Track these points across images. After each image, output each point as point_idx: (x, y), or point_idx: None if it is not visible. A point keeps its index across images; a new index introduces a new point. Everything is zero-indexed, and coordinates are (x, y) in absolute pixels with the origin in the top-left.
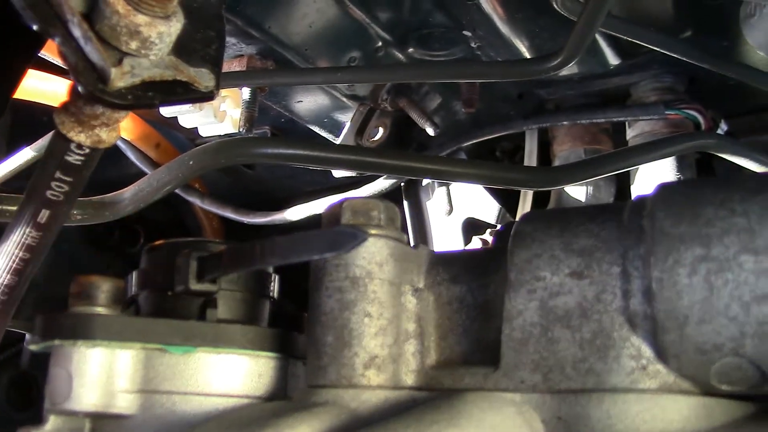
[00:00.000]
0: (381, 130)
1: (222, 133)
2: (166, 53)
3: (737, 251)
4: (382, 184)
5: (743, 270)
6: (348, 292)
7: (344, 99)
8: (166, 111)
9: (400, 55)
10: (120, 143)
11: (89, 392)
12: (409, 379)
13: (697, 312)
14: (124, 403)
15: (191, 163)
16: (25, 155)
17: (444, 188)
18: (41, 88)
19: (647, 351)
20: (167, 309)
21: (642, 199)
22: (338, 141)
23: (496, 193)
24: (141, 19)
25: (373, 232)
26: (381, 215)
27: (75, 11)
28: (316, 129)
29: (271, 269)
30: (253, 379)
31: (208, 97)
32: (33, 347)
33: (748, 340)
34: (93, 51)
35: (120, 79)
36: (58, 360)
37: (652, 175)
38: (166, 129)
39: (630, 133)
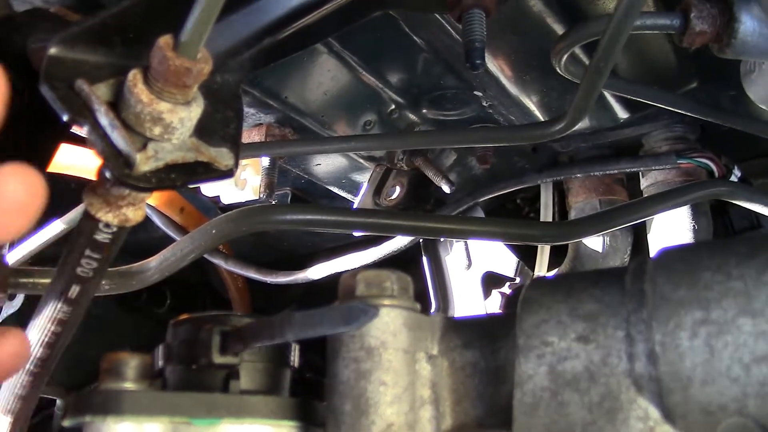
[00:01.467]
0: (398, 189)
1: (243, 200)
2: (188, 136)
3: (735, 314)
4: (402, 240)
5: (742, 332)
6: (364, 362)
7: (361, 160)
8: None
9: (413, 117)
10: (146, 208)
11: None
12: None
13: (700, 374)
14: None
15: (213, 232)
16: (55, 228)
17: (462, 243)
18: (70, 161)
19: (654, 412)
20: (192, 381)
21: (642, 264)
22: (356, 200)
23: (514, 247)
24: (163, 106)
25: (386, 303)
26: (394, 286)
27: (102, 101)
28: (335, 190)
29: None
30: None
31: (228, 175)
32: (66, 423)
33: (751, 400)
34: (119, 138)
35: (144, 163)
36: None
37: (668, 223)
38: (190, 193)
39: (644, 183)
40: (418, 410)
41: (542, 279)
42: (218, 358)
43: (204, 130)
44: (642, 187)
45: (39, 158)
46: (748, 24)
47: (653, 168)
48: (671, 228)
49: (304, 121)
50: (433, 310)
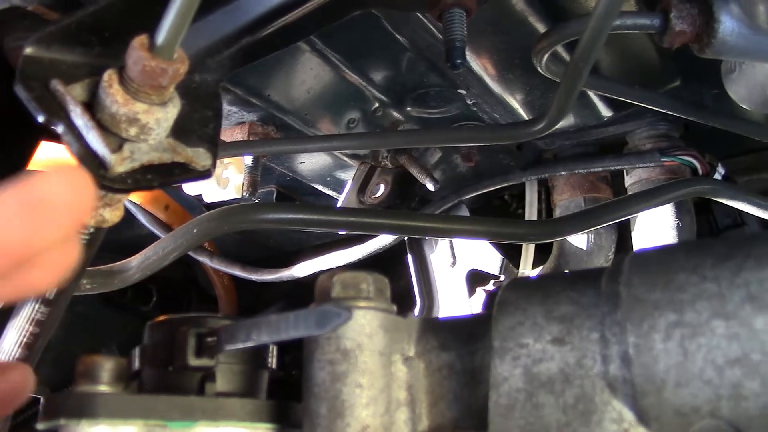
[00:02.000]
0: (383, 187)
1: (226, 199)
2: (164, 136)
3: (709, 317)
4: (387, 238)
5: (715, 335)
6: (339, 364)
7: (345, 158)
8: None
9: (397, 115)
10: (130, 206)
11: None
12: None
13: (674, 376)
14: None
15: (195, 231)
16: None
17: (447, 241)
18: (52, 159)
19: (629, 414)
20: (168, 384)
21: (618, 266)
22: (341, 198)
23: (499, 245)
24: (139, 107)
25: (362, 304)
26: (370, 287)
27: (77, 102)
28: (320, 187)
29: None
30: None
31: (205, 176)
32: (40, 426)
33: (724, 402)
34: (94, 139)
35: (120, 164)
36: None
37: (652, 221)
38: (175, 191)
39: (628, 181)
40: (394, 412)
41: (520, 280)
42: (194, 361)
43: (181, 131)
44: (626, 185)
45: (18, 156)
46: (727, 24)
47: (637, 166)
48: (655, 226)
49: (288, 119)
50: (417, 308)
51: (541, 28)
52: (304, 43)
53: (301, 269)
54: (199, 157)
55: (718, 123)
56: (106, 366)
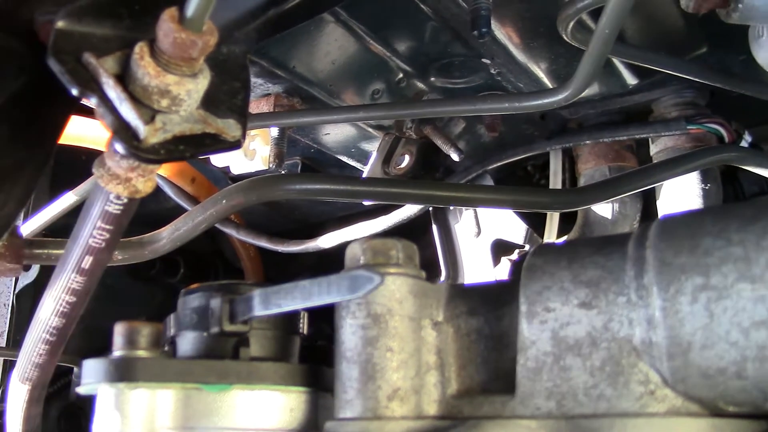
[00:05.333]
0: (407, 158)
1: (253, 170)
2: (195, 108)
3: (735, 279)
4: (412, 209)
5: (741, 297)
6: (370, 329)
7: (370, 129)
8: None
9: (422, 85)
10: (157, 179)
11: (133, 431)
12: (432, 409)
13: (700, 338)
14: None
15: (224, 202)
16: (68, 200)
17: (471, 211)
18: (81, 132)
19: (655, 376)
20: (203, 349)
21: (645, 230)
22: (365, 170)
23: (523, 214)
24: (170, 78)
25: (392, 270)
26: (399, 254)
27: (110, 74)
28: (344, 159)
29: None
30: (286, 413)
31: (235, 146)
32: (80, 390)
33: (750, 363)
34: (127, 110)
35: (153, 135)
36: (103, 401)
37: (677, 189)
38: (201, 164)
39: (653, 149)
40: (423, 375)
41: (546, 246)
42: (228, 326)
43: (211, 102)
44: (651, 153)
45: (50, 131)
46: None
47: (663, 134)
48: (681, 194)
49: (312, 90)
50: (442, 277)
51: None
52: (329, 14)
53: (327, 240)
54: (230, 127)
55: (745, 90)
56: (144, 332)
